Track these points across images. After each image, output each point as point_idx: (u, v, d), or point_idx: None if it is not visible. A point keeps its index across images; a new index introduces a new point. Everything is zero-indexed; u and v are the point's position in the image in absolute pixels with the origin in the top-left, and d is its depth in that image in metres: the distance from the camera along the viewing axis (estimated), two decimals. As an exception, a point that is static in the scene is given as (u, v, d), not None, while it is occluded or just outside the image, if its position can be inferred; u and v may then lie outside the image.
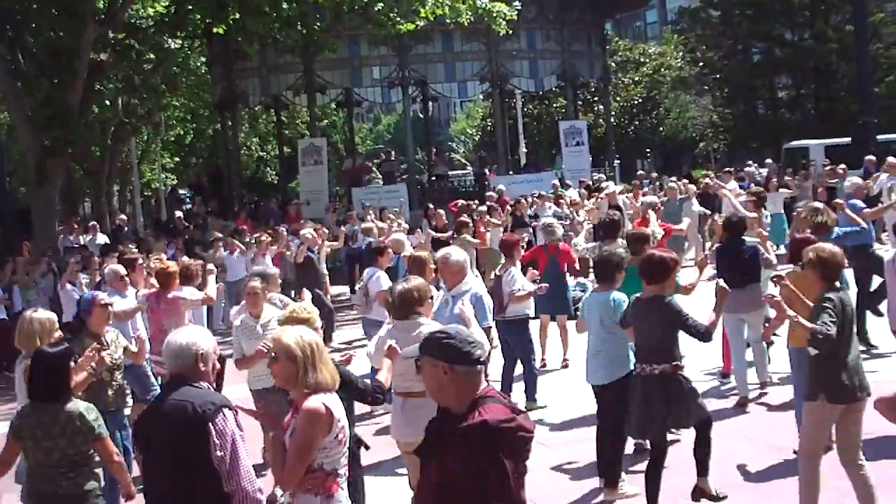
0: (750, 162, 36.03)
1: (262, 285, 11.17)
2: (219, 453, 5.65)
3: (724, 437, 10.39)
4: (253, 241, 22.30)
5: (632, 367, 9.33)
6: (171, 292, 12.41)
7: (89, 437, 7.38)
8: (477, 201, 27.34)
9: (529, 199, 27.15)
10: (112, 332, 10.33)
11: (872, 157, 27.30)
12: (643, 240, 11.47)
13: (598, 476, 9.80)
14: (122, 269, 13.54)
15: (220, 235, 24.15)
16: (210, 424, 5.66)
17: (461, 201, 27.64)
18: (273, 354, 5.91)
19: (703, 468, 8.73)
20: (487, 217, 23.55)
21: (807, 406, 8.28)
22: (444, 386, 5.01)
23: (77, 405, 7.37)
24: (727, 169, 30.48)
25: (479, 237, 22.34)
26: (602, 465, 9.72)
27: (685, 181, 30.41)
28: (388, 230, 21.61)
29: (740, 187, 26.97)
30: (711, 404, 12.00)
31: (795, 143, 39.73)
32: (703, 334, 8.57)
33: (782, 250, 20.86)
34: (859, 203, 16.22)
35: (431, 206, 27.59)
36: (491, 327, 10.21)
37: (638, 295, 8.98)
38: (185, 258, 15.56)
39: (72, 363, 7.75)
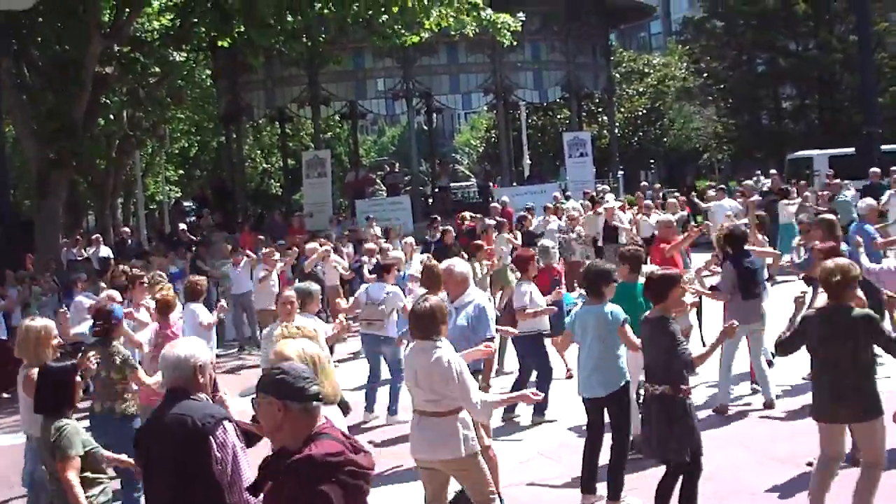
0: (758, 172, 36.03)
1: (298, 299, 11.31)
2: (220, 466, 5.65)
3: (721, 447, 10.45)
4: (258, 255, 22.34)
5: (628, 378, 9.43)
6: (170, 328, 12.36)
7: (57, 457, 7.37)
8: (480, 214, 27.34)
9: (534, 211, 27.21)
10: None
11: (877, 169, 27.28)
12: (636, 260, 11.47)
13: (581, 491, 9.84)
14: (117, 295, 13.56)
15: (228, 247, 24.13)
16: (211, 437, 5.65)
17: (467, 213, 27.64)
18: (276, 368, 5.92)
19: None
20: (496, 233, 23.53)
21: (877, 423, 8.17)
22: (280, 424, 4.93)
23: (60, 423, 7.37)
24: (721, 186, 30.47)
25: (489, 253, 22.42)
26: (586, 475, 9.78)
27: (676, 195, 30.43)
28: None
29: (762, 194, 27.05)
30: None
31: (799, 153, 39.72)
32: (687, 365, 8.56)
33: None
34: (872, 229, 16.19)
35: (437, 217, 27.56)
36: (493, 338, 10.21)
37: (646, 314, 8.98)
38: (194, 276, 15.53)
39: (77, 378, 7.74)
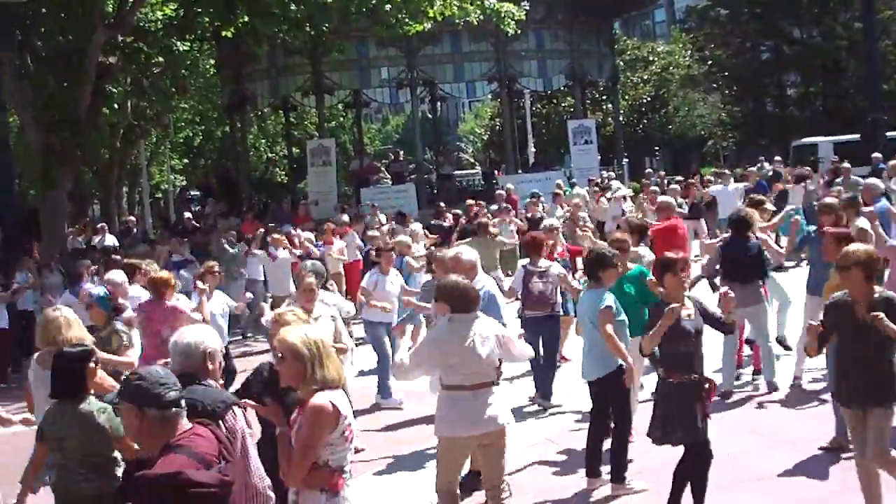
0: (762, 158, 36.00)
1: (317, 281, 11.43)
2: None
3: (732, 433, 10.48)
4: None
5: (620, 363, 9.45)
6: (168, 301, 12.38)
7: (102, 436, 7.38)
8: (484, 202, 27.46)
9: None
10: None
11: (879, 155, 27.27)
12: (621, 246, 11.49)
13: (585, 475, 9.88)
14: (118, 277, 13.56)
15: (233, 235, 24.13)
16: (220, 423, 5.68)
17: (470, 201, 27.69)
18: (280, 354, 5.96)
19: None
20: (495, 218, 23.62)
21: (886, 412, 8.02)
22: (139, 430, 4.97)
23: (90, 405, 7.38)
24: (724, 170, 30.45)
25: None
26: (590, 459, 9.82)
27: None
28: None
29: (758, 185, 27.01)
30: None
31: (804, 140, 39.71)
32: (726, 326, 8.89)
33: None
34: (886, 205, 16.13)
35: (443, 205, 27.61)
36: (505, 325, 10.26)
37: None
38: (210, 262, 15.52)
39: (91, 364, 7.76)
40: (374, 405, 14.03)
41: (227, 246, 22.04)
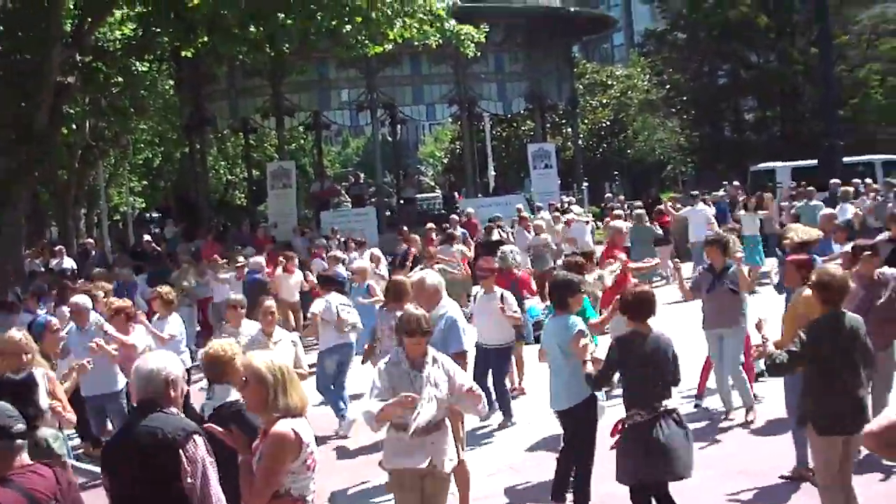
0: (725, 183, 36.14)
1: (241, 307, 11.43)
2: (189, 480, 5.58)
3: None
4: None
5: (591, 392, 9.33)
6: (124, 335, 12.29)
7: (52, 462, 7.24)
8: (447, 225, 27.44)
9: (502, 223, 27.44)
10: None
11: (838, 181, 27.48)
12: (578, 267, 11.46)
13: (550, 498, 9.80)
14: (87, 301, 13.41)
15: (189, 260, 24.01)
16: (181, 451, 5.58)
17: (430, 225, 27.63)
18: (244, 379, 5.88)
19: None
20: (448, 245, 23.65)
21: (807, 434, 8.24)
22: None
23: (44, 432, 7.26)
24: (693, 192, 30.58)
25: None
26: (557, 484, 9.74)
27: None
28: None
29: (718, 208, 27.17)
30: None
31: (762, 165, 39.97)
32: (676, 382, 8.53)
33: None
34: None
35: (405, 228, 27.52)
36: (466, 352, 10.17)
37: (631, 331, 8.67)
38: (163, 287, 15.33)
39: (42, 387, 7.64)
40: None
41: (190, 281, 22.14)
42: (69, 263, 26.40)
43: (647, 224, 25.78)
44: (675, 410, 8.29)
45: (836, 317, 8.07)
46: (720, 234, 13.72)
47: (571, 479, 9.64)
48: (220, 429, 6.08)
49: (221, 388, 7.38)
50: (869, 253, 10.91)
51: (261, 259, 22.20)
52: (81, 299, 13.29)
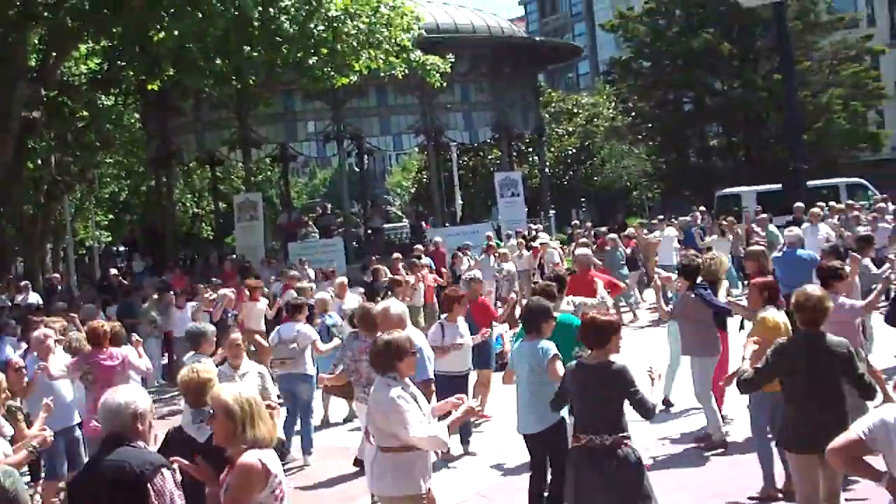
0: (694, 208, 36.34)
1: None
2: (158, 514, 5.56)
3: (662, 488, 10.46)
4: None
5: (564, 414, 9.33)
6: (111, 350, 12.21)
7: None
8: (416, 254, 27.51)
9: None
10: None
11: (801, 204, 27.70)
12: (550, 294, 11.47)
13: None
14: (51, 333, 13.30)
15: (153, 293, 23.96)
16: (148, 485, 5.57)
17: (397, 255, 27.61)
18: (211, 411, 5.89)
19: None
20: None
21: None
22: None
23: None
24: (660, 217, 30.72)
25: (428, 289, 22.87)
26: None
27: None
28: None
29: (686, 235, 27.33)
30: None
31: (728, 190, 40.24)
32: (649, 411, 8.10)
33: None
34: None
35: (375, 258, 27.51)
36: (432, 380, 10.19)
37: (581, 360, 8.51)
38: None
39: None
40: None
41: (153, 314, 22.20)
42: (35, 298, 26.21)
43: (619, 248, 25.86)
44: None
45: (808, 336, 8.12)
46: (691, 259, 13.77)
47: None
48: (185, 461, 6.09)
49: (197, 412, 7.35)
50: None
51: (227, 292, 22.16)
52: (41, 332, 13.18)
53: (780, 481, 10.12)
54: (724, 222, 27.55)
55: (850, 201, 30.96)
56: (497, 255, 26.43)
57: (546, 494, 9.68)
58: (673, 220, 31.58)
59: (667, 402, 14.13)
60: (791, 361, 8.10)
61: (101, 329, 12.36)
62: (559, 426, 9.47)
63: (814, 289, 8.51)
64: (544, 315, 9.80)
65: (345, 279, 22.38)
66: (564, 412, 9.34)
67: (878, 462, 5.98)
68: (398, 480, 7.78)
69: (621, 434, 8.00)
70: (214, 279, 25.52)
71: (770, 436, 10.12)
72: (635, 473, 7.98)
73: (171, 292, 23.37)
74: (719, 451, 12.18)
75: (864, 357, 11.24)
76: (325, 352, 14.64)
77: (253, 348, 18.67)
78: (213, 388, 6.70)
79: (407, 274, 22.77)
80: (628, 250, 26.40)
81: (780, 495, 10.04)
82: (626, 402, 8.06)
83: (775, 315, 10.13)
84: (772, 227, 25.91)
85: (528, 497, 9.81)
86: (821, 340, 8.07)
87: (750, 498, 10.17)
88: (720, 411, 12.65)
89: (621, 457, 7.94)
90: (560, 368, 9.25)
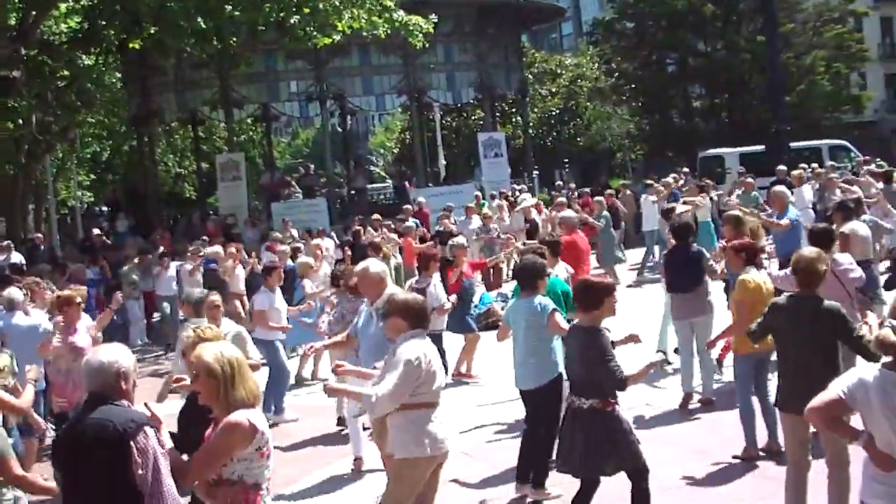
0: (678, 169, 36.31)
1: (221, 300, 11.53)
2: (141, 472, 5.55)
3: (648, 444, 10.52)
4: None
5: (561, 370, 9.44)
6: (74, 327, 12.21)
7: None
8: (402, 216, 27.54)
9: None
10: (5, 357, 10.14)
11: (783, 167, 27.75)
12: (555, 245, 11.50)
13: (515, 480, 9.90)
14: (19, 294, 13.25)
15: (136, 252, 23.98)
16: (131, 443, 5.56)
17: (376, 216, 27.59)
18: (195, 373, 5.91)
19: None
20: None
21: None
22: None
23: None
24: (647, 181, 30.51)
25: (408, 251, 22.90)
26: (523, 465, 9.83)
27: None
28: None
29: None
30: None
31: (711, 151, 40.25)
32: (619, 383, 8.07)
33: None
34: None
35: (357, 218, 27.55)
36: None
37: (575, 322, 8.61)
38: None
39: None
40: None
41: (134, 276, 22.25)
42: (17, 258, 26.13)
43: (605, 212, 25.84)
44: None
45: (801, 298, 8.15)
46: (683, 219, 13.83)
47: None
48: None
49: None
50: None
51: (218, 249, 22.18)
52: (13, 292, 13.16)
53: (763, 441, 10.23)
54: (703, 184, 27.52)
55: (832, 162, 30.94)
56: (484, 216, 26.35)
57: (537, 450, 9.77)
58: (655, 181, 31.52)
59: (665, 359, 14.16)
60: (785, 321, 8.16)
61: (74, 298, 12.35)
62: (555, 382, 9.61)
63: (809, 250, 8.55)
64: (540, 272, 9.93)
65: (330, 242, 22.49)
66: (562, 368, 9.47)
67: (856, 422, 6.03)
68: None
69: (605, 399, 8.08)
70: (198, 239, 25.50)
71: (753, 397, 10.23)
72: (612, 430, 8.08)
73: (151, 255, 23.44)
74: (705, 408, 12.29)
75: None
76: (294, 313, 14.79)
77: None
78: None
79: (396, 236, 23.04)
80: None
81: (762, 454, 10.14)
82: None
83: (755, 276, 10.19)
84: (755, 193, 25.83)
85: (518, 453, 9.89)
86: (814, 301, 8.08)
87: (734, 457, 10.26)
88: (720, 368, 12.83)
89: (604, 419, 8.05)
90: (561, 320, 9.49)
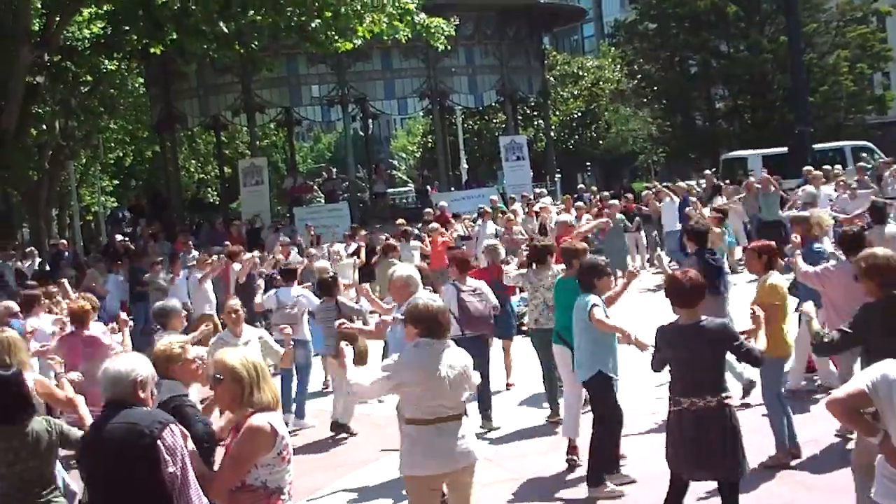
0: (695, 175, 36.26)
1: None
2: (171, 469, 5.59)
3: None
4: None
5: (603, 368, 9.73)
6: (87, 331, 11.91)
7: (56, 446, 7.21)
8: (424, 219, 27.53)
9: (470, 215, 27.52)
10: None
11: (810, 168, 27.64)
12: (574, 253, 11.40)
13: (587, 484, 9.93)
14: (14, 306, 13.22)
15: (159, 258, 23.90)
16: (159, 442, 5.59)
17: (400, 220, 27.51)
18: (219, 376, 5.89)
19: None
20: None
21: None
22: None
23: (40, 422, 7.22)
24: (664, 185, 30.36)
25: (436, 252, 22.81)
26: (595, 470, 9.86)
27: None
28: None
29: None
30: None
31: (733, 153, 40.13)
32: (756, 359, 8.01)
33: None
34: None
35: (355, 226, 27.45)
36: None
37: (671, 322, 8.27)
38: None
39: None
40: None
41: (161, 280, 21.99)
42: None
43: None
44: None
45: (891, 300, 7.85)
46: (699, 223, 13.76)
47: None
48: None
49: (168, 383, 7.16)
50: None
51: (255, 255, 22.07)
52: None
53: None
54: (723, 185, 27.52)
55: (861, 164, 30.77)
56: (507, 220, 26.19)
57: (589, 447, 9.94)
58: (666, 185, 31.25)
59: None
60: (869, 325, 7.85)
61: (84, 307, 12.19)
62: (599, 380, 9.86)
63: (882, 250, 8.25)
64: (595, 272, 10.04)
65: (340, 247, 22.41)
66: (610, 367, 9.81)
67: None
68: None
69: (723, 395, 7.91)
70: (218, 245, 25.53)
71: (783, 401, 10.14)
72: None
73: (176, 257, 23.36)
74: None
75: None
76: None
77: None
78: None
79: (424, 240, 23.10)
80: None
81: (793, 462, 9.98)
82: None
83: (778, 279, 10.13)
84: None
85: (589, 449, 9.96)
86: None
87: (761, 464, 9.98)
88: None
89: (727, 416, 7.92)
90: (599, 314, 9.63)
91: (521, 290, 18.60)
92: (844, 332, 7.96)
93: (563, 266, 12.02)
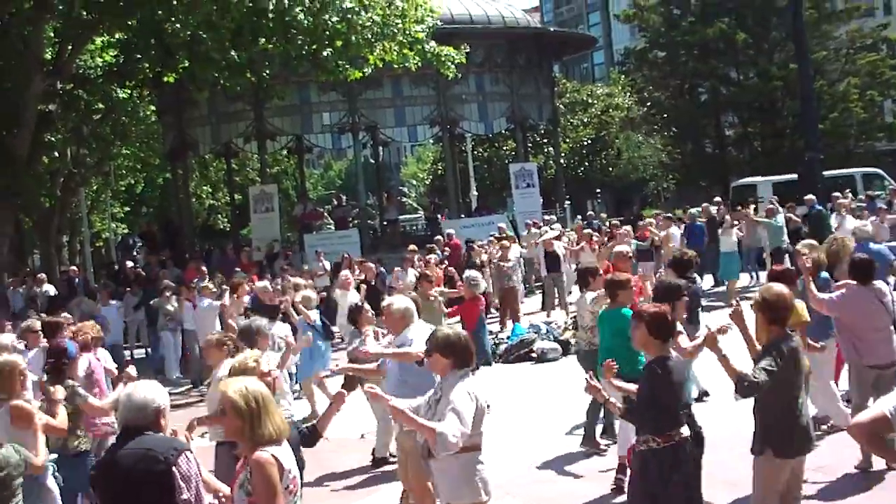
0: (718, 199, 36.23)
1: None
2: (185, 496, 5.65)
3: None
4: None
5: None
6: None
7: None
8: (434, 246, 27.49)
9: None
10: None
11: (812, 196, 27.77)
12: (620, 285, 11.41)
13: None
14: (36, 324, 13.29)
15: (170, 284, 23.85)
16: (174, 468, 5.65)
17: (412, 247, 27.47)
18: (221, 408, 5.90)
19: None
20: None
21: (754, 461, 7.88)
22: None
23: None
24: (667, 214, 30.37)
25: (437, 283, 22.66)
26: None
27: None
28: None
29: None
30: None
31: (743, 180, 40.14)
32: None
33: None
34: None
35: (348, 256, 27.03)
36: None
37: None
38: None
39: None
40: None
41: (169, 307, 22.07)
42: (52, 291, 26.37)
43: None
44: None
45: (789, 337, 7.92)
46: (684, 252, 13.81)
47: None
48: None
49: None
50: None
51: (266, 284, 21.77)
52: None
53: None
54: (734, 213, 27.57)
55: (869, 192, 30.86)
56: (500, 247, 26.10)
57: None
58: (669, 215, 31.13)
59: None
60: (788, 363, 7.73)
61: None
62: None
63: (776, 286, 8.24)
64: (675, 294, 10.12)
65: (348, 273, 22.24)
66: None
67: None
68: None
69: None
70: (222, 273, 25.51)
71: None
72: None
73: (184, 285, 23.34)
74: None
75: None
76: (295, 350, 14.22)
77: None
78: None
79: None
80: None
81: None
82: None
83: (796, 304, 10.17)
84: (777, 220, 25.92)
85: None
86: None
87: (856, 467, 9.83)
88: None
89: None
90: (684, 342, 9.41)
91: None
92: (769, 371, 7.65)
93: (601, 291, 12.05)
